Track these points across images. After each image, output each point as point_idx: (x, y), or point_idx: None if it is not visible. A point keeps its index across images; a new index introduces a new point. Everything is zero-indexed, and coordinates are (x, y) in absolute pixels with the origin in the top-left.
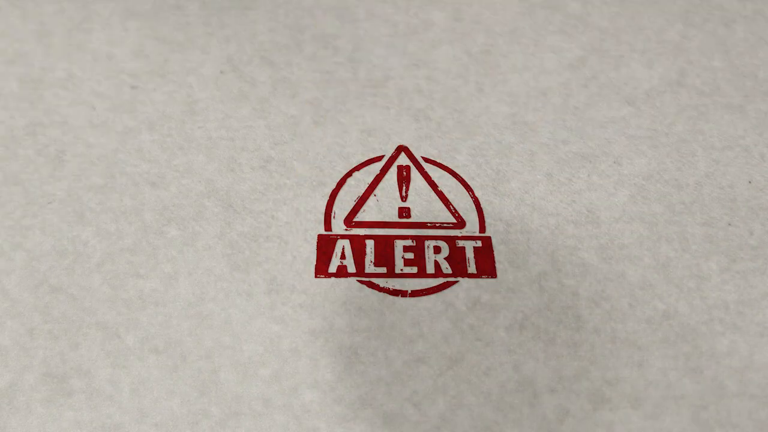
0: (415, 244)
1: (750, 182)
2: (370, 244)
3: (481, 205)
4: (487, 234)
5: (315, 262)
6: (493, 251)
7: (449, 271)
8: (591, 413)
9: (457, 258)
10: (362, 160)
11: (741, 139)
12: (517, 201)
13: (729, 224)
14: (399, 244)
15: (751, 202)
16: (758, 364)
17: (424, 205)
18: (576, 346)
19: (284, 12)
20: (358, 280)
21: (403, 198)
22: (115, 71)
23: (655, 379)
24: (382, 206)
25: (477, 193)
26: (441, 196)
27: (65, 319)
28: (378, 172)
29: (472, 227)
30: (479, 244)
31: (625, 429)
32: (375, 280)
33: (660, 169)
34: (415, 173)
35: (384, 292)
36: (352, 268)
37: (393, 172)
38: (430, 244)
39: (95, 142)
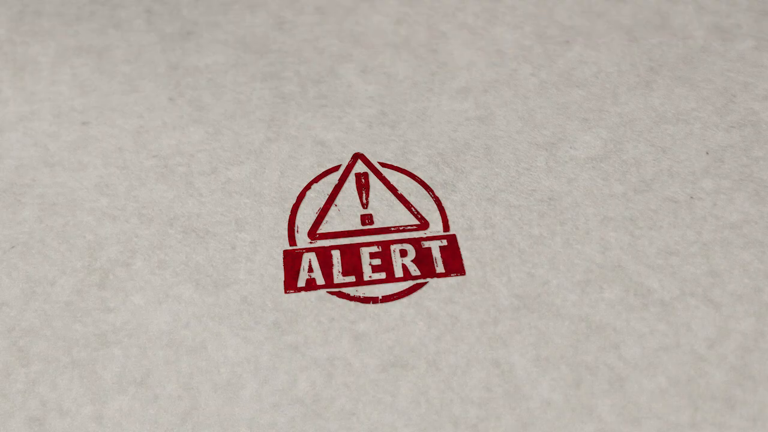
0: (381, 250)
1: (707, 153)
2: (336, 255)
3: (443, 204)
4: (451, 232)
5: (283, 278)
6: (459, 249)
7: (418, 273)
8: (574, 397)
9: (424, 259)
10: (319, 172)
11: (694, 112)
12: (478, 196)
13: (691, 197)
14: (365, 252)
15: (711, 172)
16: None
17: (386, 210)
18: (552, 333)
19: (224, 33)
20: (327, 292)
21: (365, 205)
22: (64, 110)
23: (632, 359)
24: (344, 215)
25: (438, 193)
26: (402, 199)
27: (41, 361)
28: (336, 182)
29: (435, 227)
30: (444, 243)
31: (610, 408)
32: (345, 290)
33: (617, 149)
34: (373, 179)
35: (355, 300)
36: (320, 280)
37: (351, 180)
38: (396, 248)
39: (52, 182)
